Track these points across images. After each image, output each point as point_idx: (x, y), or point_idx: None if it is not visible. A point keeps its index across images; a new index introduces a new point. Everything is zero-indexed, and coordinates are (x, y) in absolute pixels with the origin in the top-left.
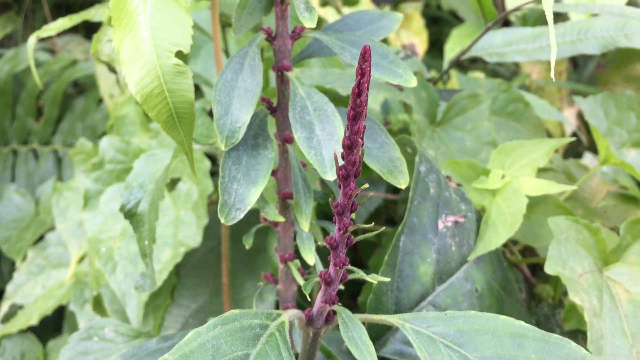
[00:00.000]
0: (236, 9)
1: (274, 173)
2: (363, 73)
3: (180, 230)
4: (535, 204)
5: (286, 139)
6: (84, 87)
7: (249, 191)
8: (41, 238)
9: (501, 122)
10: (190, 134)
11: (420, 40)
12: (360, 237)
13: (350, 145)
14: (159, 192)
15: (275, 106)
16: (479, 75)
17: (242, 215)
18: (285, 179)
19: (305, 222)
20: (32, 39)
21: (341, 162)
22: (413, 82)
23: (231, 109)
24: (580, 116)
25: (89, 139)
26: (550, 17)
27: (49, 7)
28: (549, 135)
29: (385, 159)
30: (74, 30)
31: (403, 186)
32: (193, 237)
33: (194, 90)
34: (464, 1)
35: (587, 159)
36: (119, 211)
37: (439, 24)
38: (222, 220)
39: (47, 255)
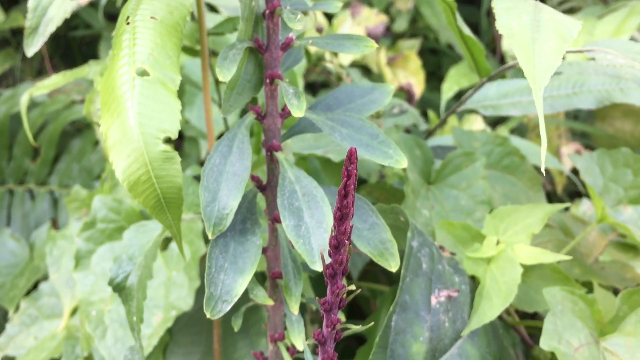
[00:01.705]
0: (225, 90)
1: (264, 251)
2: (349, 175)
3: (171, 292)
4: (531, 267)
5: (276, 218)
6: (81, 126)
7: (236, 282)
8: (35, 286)
9: (497, 175)
10: (178, 218)
11: (417, 81)
12: (352, 296)
13: (337, 245)
14: (147, 271)
15: (265, 184)
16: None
17: (228, 308)
18: (275, 257)
19: (294, 305)
20: (25, 97)
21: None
22: (404, 163)
23: (219, 195)
24: (578, 153)
25: (85, 181)
26: (540, 106)
27: (48, 43)
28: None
29: (375, 241)
30: (72, 63)
31: (394, 269)
32: (185, 299)
33: (181, 173)
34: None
35: (585, 205)
36: (107, 284)
37: (437, 54)
38: (208, 315)
39: (40, 305)
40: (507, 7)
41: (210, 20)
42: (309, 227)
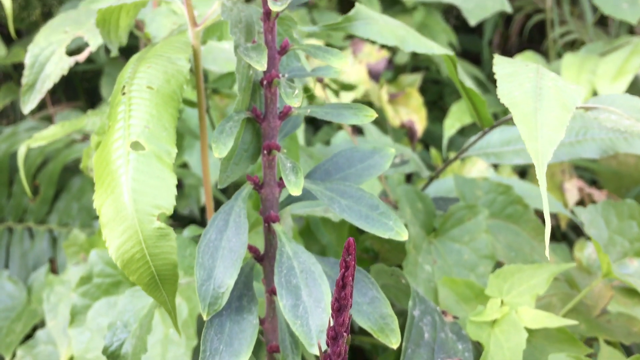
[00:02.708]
0: (222, 160)
1: (261, 322)
2: (347, 266)
3: (168, 350)
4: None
5: (273, 291)
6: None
7: None
8: (33, 330)
9: (500, 225)
10: (173, 294)
11: (419, 118)
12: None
13: (335, 337)
14: (142, 344)
15: (263, 254)
16: None
17: None
18: (273, 329)
19: None
20: (22, 149)
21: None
22: (404, 236)
23: (214, 273)
24: (581, 189)
25: (85, 220)
26: (542, 182)
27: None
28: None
29: (375, 316)
30: (74, 97)
31: (395, 346)
32: (181, 358)
33: (176, 250)
34: (461, 71)
35: (590, 247)
36: (101, 353)
37: (439, 84)
38: None
39: (36, 353)
40: (508, 73)
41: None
42: (307, 307)
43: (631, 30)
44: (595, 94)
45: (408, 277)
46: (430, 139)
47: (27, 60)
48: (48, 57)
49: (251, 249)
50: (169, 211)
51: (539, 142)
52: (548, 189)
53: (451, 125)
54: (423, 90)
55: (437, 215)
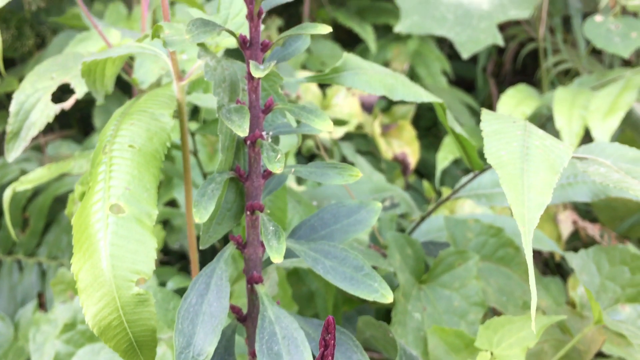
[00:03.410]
0: (204, 221)
1: None
2: (327, 345)
3: None
4: None
5: (256, 354)
6: None
7: None
8: None
9: (491, 268)
10: (152, 359)
11: (412, 150)
12: None
13: None
14: None
15: (246, 315)
16: None
17: None
18: None
19: None
20: (8, 192)
21: None
22: (389, 298)
23: (194, 340)
24: (575, 222)
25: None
26: (529, 249)
27: None
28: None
29: None
30: (67, 125)
31: None
32: None
33: (155, 315)
34: (455, 99)
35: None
36: None
37: (433, 111)
38: None
39: None
40: (495, 130)
41: None
42: None
43: (625, 60)
44: (587, 130)
45: (397, 326)
46: (424, 167)
47: (12, 107)
48: (34, 104)
49: (234, 309)
50: (148, 277)
51: (526, 207)
52: (541, 220)
53: (444, 158)
54: (417, 116)
55: (427, 261)
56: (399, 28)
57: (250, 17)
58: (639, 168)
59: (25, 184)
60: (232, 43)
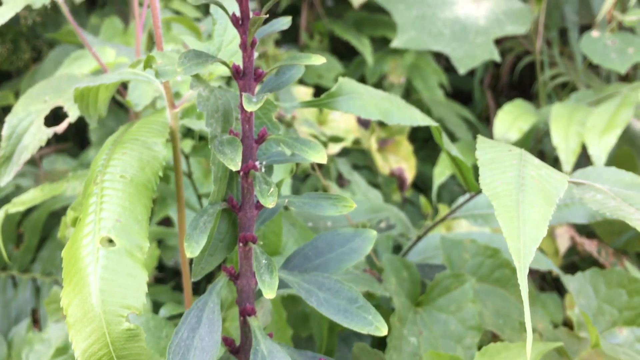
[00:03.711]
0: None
1: None
2: None
3: None
4: None
5: None
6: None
7: None
8: None
9: (488, 289)
10: None
11: (408, 166)
12: None
13: None
14: None
15: (238, 346)
16: None
17: None
18: None
19: None
20: (1, 213)
21: None
22: (384, 330)
23: None
24: (573, 237)
25: None
26: (524, 286)
27: None
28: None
29: None
30: (62, 138)
31: None
32: None
33: (146, 351)
34: (452, 113)
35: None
36: None
37: None
38: None
39: None
40: (491, 159)
41: None
42: None
43: (622, 74)
44: (584, 147)
45: (392, 351)
46: (421, 180)
47: (5, 131)
48: (26, 128)
49: (226, 341)
50: (139, 311)
51: (521, 241)
52: None
53: (441, 173)
54: (415, 128)
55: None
56: (396, 43)
57: (243, 47)
58: (636, 193)
59: (18, 206)
60: (226, 71)
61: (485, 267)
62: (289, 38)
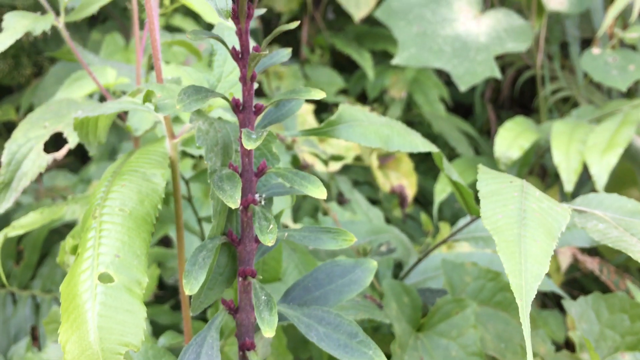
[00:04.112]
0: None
1: None
2: None
3: None
4: None
5: None
6: (66, 230)
7: None
8: None
9: (489, 313)
10: None
11: (409, 183)
12: None
13: None
14: None
15: None
16: None
17: None
18: None
19: None
20: (0, 237)
21: None
22: None
23: None
24: (574, 255)
25: None
26: (526, 326)
27: None
28: None
29: None
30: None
31: None
32: None
33: None
34: (453, 128)
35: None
36: None
37: (430, 137)
38: None
39: None
40: (492, 191)
41: None
42: None
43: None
44: (585, 166)
45: None
46: (422, 195)
47: (4, 158)
48: (25, 154)
49: None
50: (137, 348)
51: (523, 278)
52: None
53: (442, 190)
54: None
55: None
56: (397, 61)
57: (243, 80)
58: (639, 222)
59: (17, 229)
60: (226, 103)
61: (486, 290)
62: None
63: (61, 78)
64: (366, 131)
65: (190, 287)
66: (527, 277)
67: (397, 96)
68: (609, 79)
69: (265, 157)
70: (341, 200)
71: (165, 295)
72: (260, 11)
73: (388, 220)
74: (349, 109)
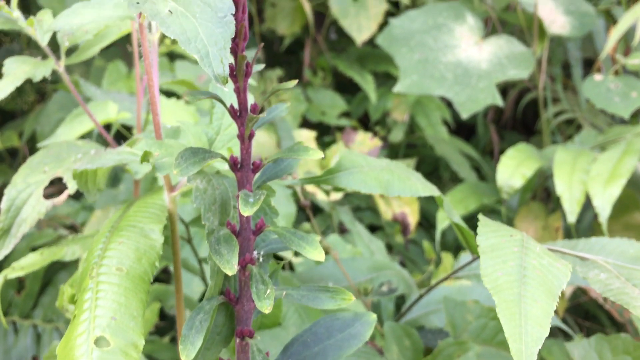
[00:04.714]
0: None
1: None
2: None
3: None
4: None
5: None
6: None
7: None
8: None
9: (491, 352)
10: None
11: (411, 210)
12: None
13: None
14: None
15: None
16: None
17: None
18: None
19: None
20: (0, 279)
21: None
22: None
23: None
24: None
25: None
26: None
27: None
28: None
29: None
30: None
31: None
32: None
33: None
34: (455, 151)
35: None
36: None
37: (433, 157)
38: None
39: None
40: (492, 245)
41: None
42: None
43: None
44: (588, 196)
45: None
46: (424, 218)
47: (3, 204)
48: (25, 200)
49: None
50: None
51: (523, 342)
52: None
53: (444, 218)
54: (418, 162)
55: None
56: (398, 88)
57: (241, 138)
58: None
59: (17, 271)
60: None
61: (488, 329)
62: (292, 74)
63: (64, 105)
64: (366, 177)
65: (187, 353)
66: (528, 341)
67: (400, 119)
68: (611, 106)
69: (263, 212)
70: (343, 229)
71: (165, 326)
72: (260, 67)
73: (390, 247)
74: (349, 155)
